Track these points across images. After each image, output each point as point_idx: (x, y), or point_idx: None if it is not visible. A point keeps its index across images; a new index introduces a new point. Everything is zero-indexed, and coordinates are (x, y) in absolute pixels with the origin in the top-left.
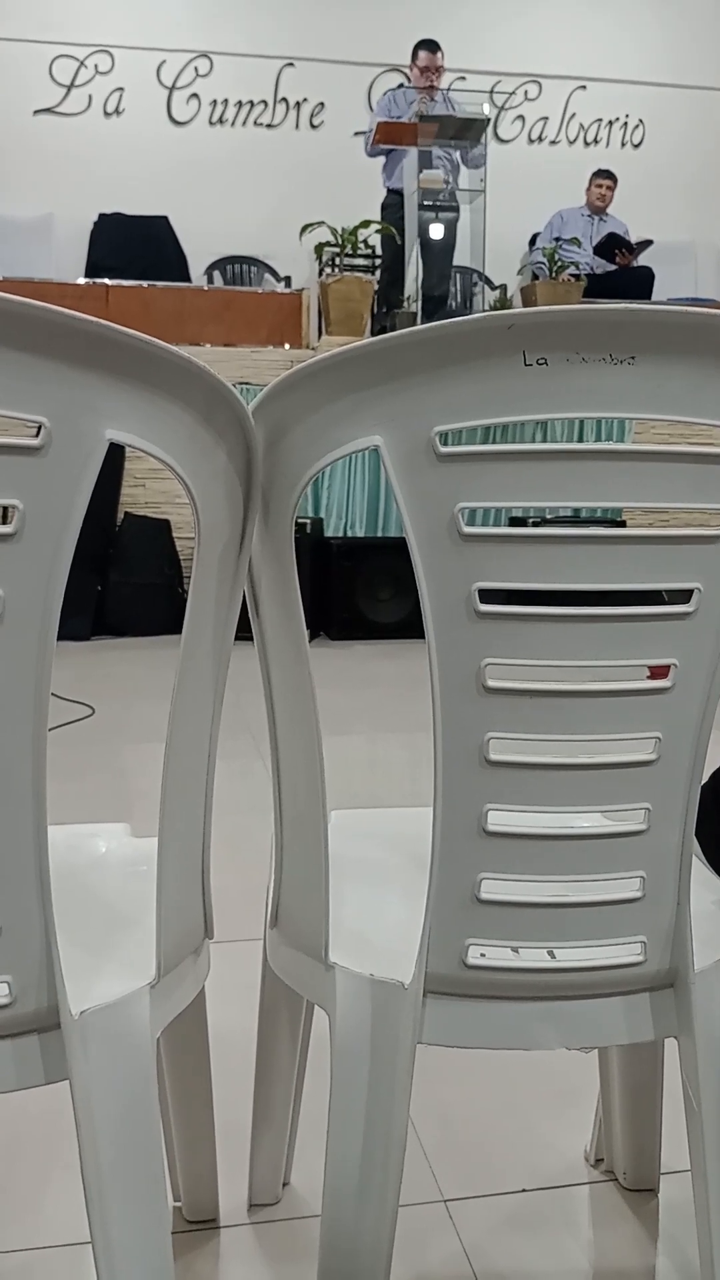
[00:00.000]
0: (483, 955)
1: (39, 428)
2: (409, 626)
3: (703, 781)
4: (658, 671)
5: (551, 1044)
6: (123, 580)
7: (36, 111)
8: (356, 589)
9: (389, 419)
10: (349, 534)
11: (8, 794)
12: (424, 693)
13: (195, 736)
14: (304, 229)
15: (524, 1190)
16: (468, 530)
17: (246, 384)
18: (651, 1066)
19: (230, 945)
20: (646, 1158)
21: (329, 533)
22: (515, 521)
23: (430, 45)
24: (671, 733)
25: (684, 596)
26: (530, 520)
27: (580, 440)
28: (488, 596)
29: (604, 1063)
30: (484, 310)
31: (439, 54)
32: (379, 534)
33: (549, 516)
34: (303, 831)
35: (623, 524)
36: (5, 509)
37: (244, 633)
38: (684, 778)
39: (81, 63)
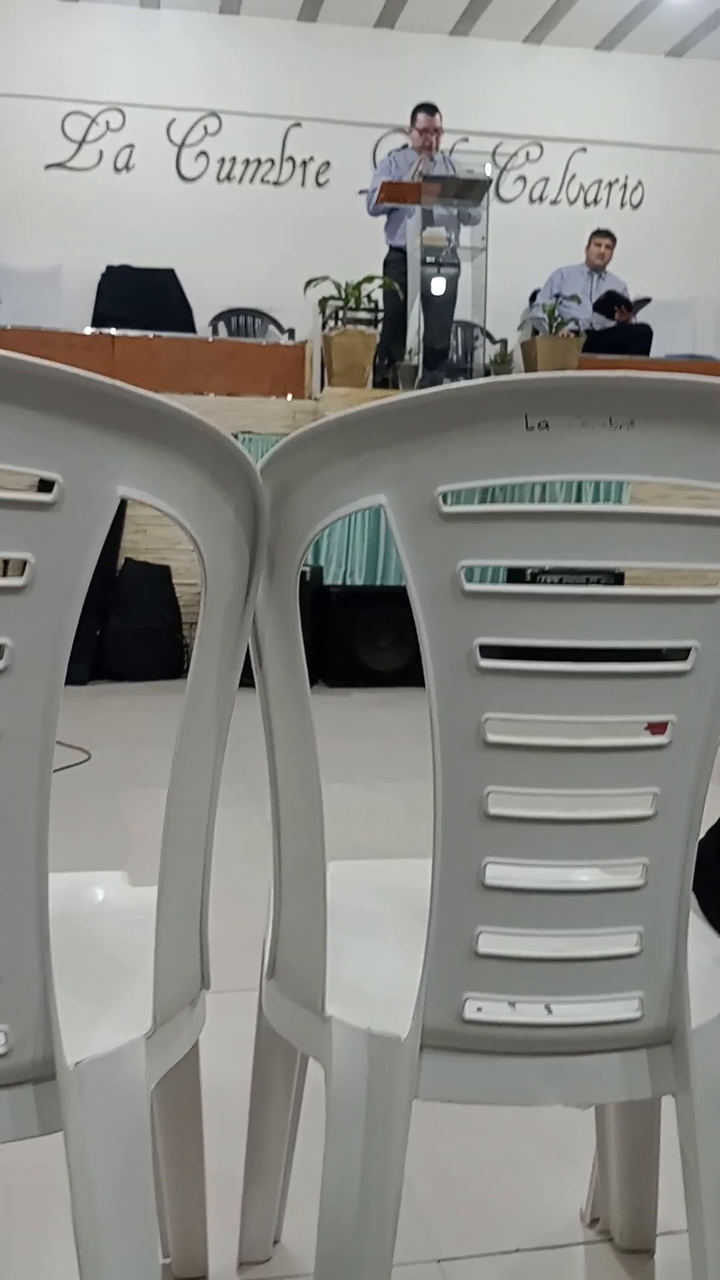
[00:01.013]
0: (480, 1010)
1: (52, 484)
2: (407, 674)
3: (700, 837)
4: (656, 727)
5: (549, 1100)
6: (123, 625)
7: (48, 166)
8: (355, 636)
9: (394, 479)
10: (348, 582)
11: (11, 843)
12: (422, 742)
13: (197, 787)
14: (308, 283)
15: (519, 1250)
16: (469, 587)
17: (250, 433)
18: (649, 1125)
19: (224, 995)
20: (643, 1218)
21: (329, 580)
22: (515, 573)
23: (429, 108)
24: (669, 788)
25: (682, 654)
26: (529, 573)
27: (579, 501)
28: (488, 652)
29: (601, 1120)
30: (484, 364)
31: (437, 116)
32: (378, 582)
33: (548, 569)
34: (301, 882)
35: (621, 579)
36: (17, 562)
37: (243, 680)
38: (681, 833)
39: (93, 119)
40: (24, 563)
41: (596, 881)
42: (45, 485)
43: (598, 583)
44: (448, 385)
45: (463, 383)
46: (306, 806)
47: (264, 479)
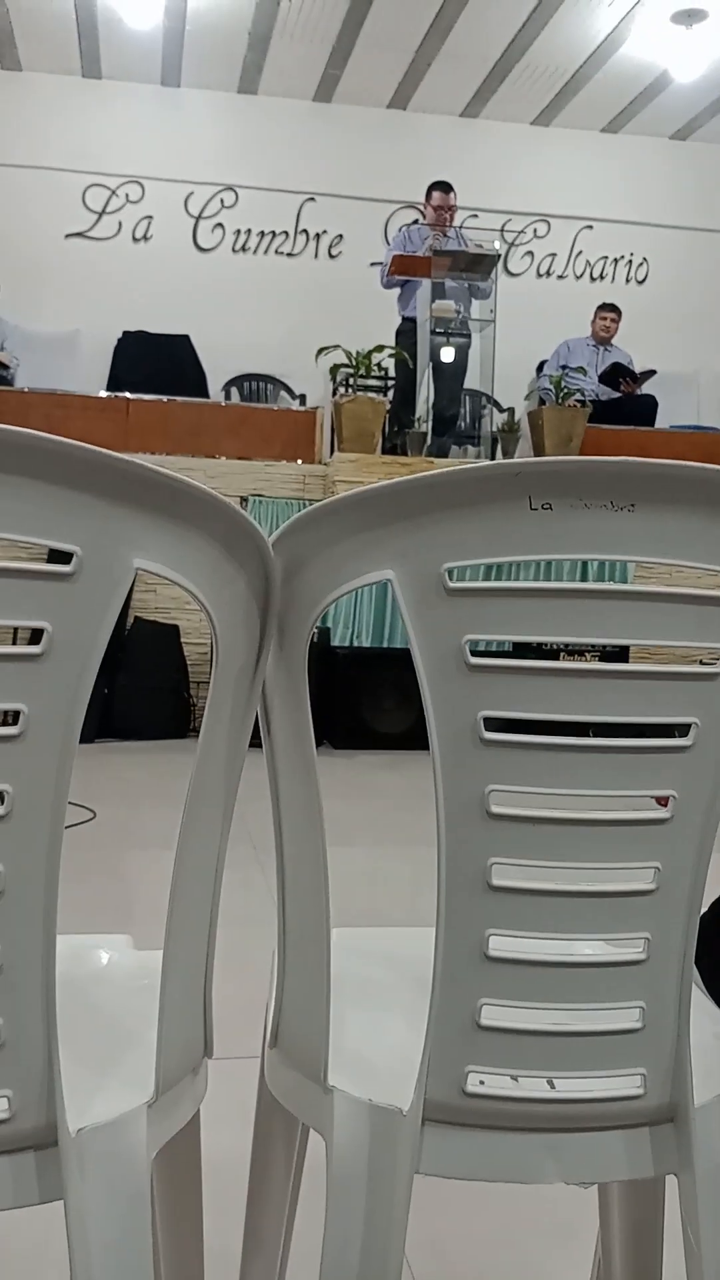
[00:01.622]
0: (482, 1083)
1: (69, 555)
2: (413, 737)
3: (701, 912)
4: (664, 800)
5: (551, 1178)
6: (130, 684)
7: (69, 235)
8: (361, 698)
9: (401, 555)
10: (355, 644)
11: (19, 907)
12: (426, 806)
13: (204, 853)
14: (320, 351)
15: None
16: (474, 661)
17: (260, 496)
18: (653, 1204)
19: (224, 1062)
20: None
21: (335, 642)
22: (520, 645)
23: (443, 186)
24: (670, 862)
25: (684, 730)
26: (534, 644)
27: (584, 578)
28: (493, 724)
29: (604, 1198)
30: (492, 432)
31: (451, 194)
32: (384, 644)
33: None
34: (305, 951)
35: (625, 653)
36: (35, 631)
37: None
38: (683, 907)
39: (113, 192)
40: (41, 631)
41: (599, 955)
42: (59, 555)
43: (600, 656)
44: (453, 467)
45: (468, 465)
46: (312, 877)
47: (276, 553)
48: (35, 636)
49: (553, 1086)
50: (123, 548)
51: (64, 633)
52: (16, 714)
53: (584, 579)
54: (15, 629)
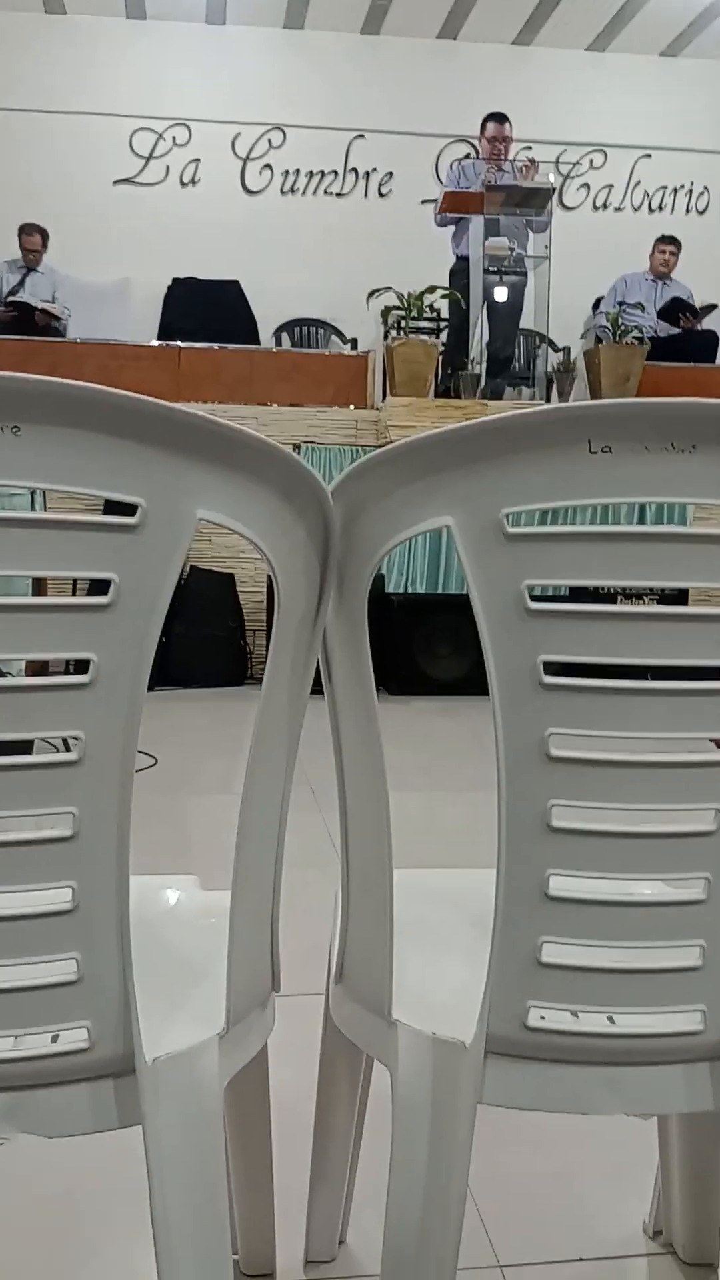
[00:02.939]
0: (543, 1018)
1: (134, 507)
2: (468, 683)
3: None
4: None
5: (610, 1110)
6: (187, 632)
7: (116, 182)
8: (416, 645)
9: (460, 501)
10: (410, 590)
11: (94, 849)
12: (482, 751)
13: (269, 795)
14: (371, 294)
15: (581, 1259)
16: (533, 606)
17: (313, 443)
18: (713, 1138)
19: (287, 999)
20: (706, 1231)
21: (390, 589)
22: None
23: (499, 117)
24: None
25: None
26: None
27: (641, 521)
28: (552, 668)
29: (664, 1133)
30: (547, 372)
31: (507, 125)
32: (439, 591)
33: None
34: (368, 890)
35: (684, 595)
36: (101, 582)
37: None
38: None
39: (160, 135)
40: (107, 582)
41: (659, 895)
42: (117, 508)
43: (659, 599)
44: (512, 411)
45: (527, 409)
46: (374, 817)
47: (335, 501)
48: (102, 587)
49: (613, 1022)
50: (185, 499)
51: (131, 583)
52: (87, 663)
53: (641, 522)
54: (74, 580)
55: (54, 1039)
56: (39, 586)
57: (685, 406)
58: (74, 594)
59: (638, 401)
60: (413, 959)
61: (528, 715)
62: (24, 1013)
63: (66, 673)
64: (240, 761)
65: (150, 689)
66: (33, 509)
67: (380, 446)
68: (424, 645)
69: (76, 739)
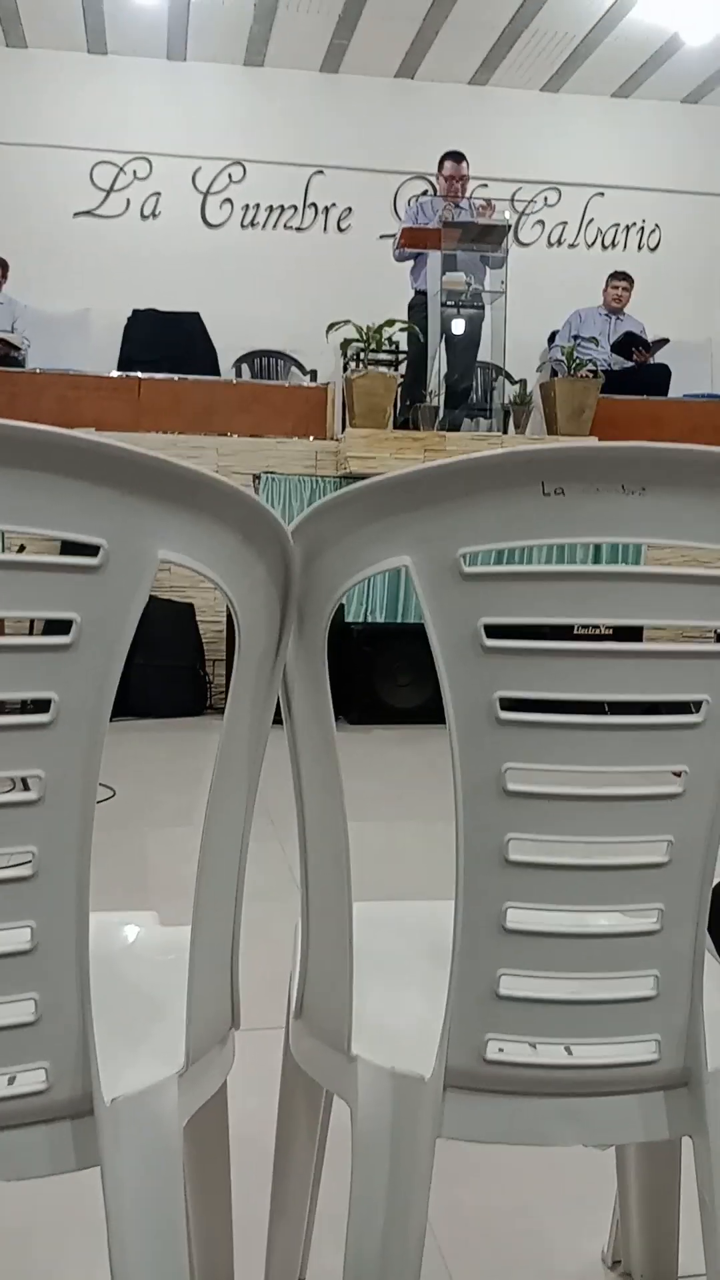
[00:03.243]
0: (501, 1050)
1: (98, 549)
2: (427, 712)
3: (714, 883)
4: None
5: (569, 1141)
6: (146, 662)
7: (77, 214)
8: (376, 674)
9: (417, 541)
10: (369, 620)
11: (53, 887)
12: (441, 780)
13: (229, 830)
14: (330, 326)
15: None
16: (489, 643)
17: (273, 473)
18: (669, 1167)
19: (247, 1034)
20: (664, 1260)
21: (349, 618)
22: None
23: (456, 156)
24: (683, 836)
25: (695, 706)
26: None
27: (597, 560)
28: (508, 704)
29: (622, 1163)
30: (504, 404)
31: (464, 164)
32: (399, 620)
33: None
34: (328, 924)
35: (639, 632)
36: (62, 621)
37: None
38: (696, 879)
39: (121, 168)
40: (68, 622)
41: (614, 926)
42: (74, 547)
43: (614, 635)
44: (467, 455)
45: (482, 453)
46: (333, 852)
47: (295, 540)
48: (63, 627)
49: (570, 1053)
50: (146, 539)
51: (92, 623)
52: (47, 702)
53: (597, 561)
54: (31, 620)
55: (10, 1081)
56: None
57: (635, 450)
58: (30, 633)
59: (589, 445)
60: (372, 992)
61: (484, 750)
62: None
63: (24, 711)
64: (199, 793)
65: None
66: None
67: (340, 477)
68: (384, 674)
69: (36, 777)
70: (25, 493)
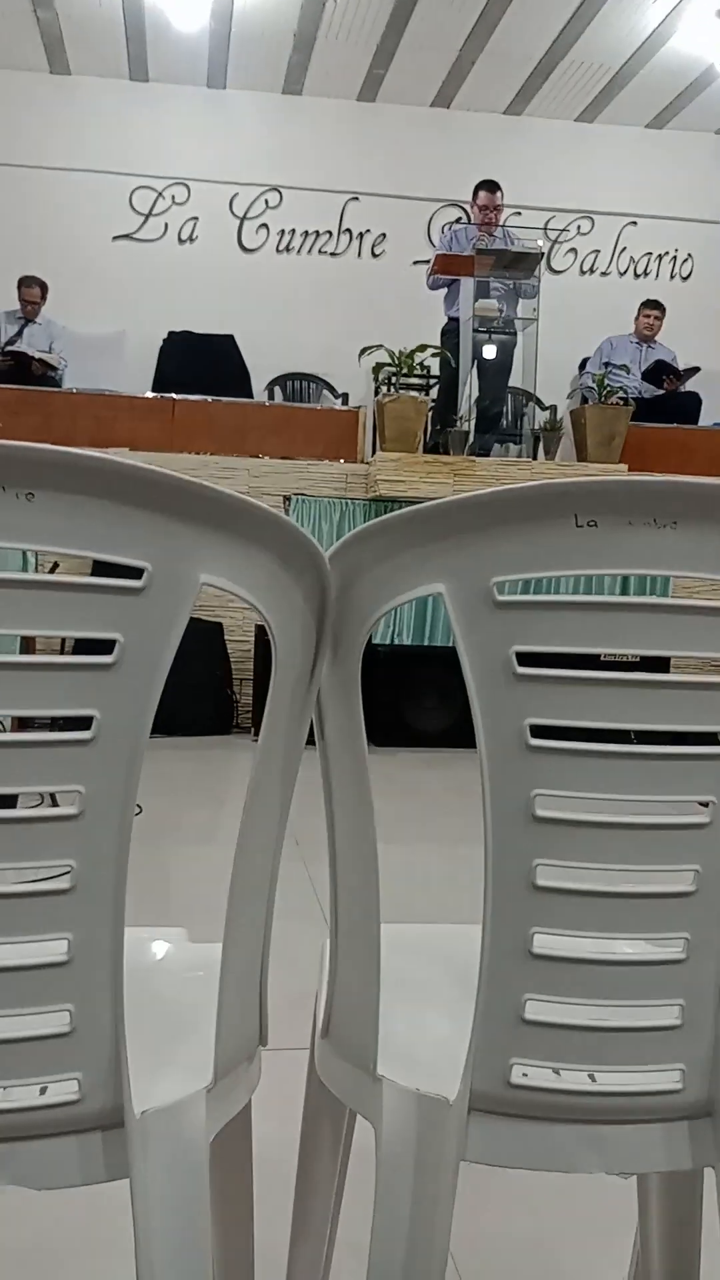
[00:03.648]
0: (525, 1075)
1: (142, 571)
2: (454, 735)
3: None
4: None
5: (591, 1168)
6: (175, 680)
7: (115, 238)
8: (402, 697)
9: (451, 570)
10: (396, 642)
11: (91, 901)
12: (466, 803)
13: (262, 850)
14: (363, 351)
15: None
16: (521, 671)
17: (303, 495)
18: (691, 1198)
19: (267, 1053)
20: None
21: (376, 640)
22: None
23: (490, 185)
24: (710, 865)
25: None
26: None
27: (625, 591)
28: (539, 731)
29: (643, 1192)
30: (534, 430)
31: (498, 194)
32: (426, 643)
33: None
34: (356, 945)
35: (666, 663)
36: (102, 641)
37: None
38: None
39: (160, 194)
40: (112, 641)
41: (639, 953)
42: (106, 568)
43: (641, 665)
44: (502, 487)
45: (516, 485)
46: (363, 874)
47: (331, 566)
48: (106, 647)
49: (594, 1080)
50: (189, 563)
51: (135, 643)
52: (90, 719)
53: (625, 592)
54: (62, 639)
55: (43, 1091)
56: (27, 645)
57: (667, 485)
58: (62, 652)
59: (623, 479)
60: (398, 1013)
61: (514, 776)
62: (14, 1064)
63: (58, 727)
64: (224, 811)
65: None
66: (25, 569)
67: (370, 500)
68: (410, 697)
69: (77, 793)
70: (75, 517)
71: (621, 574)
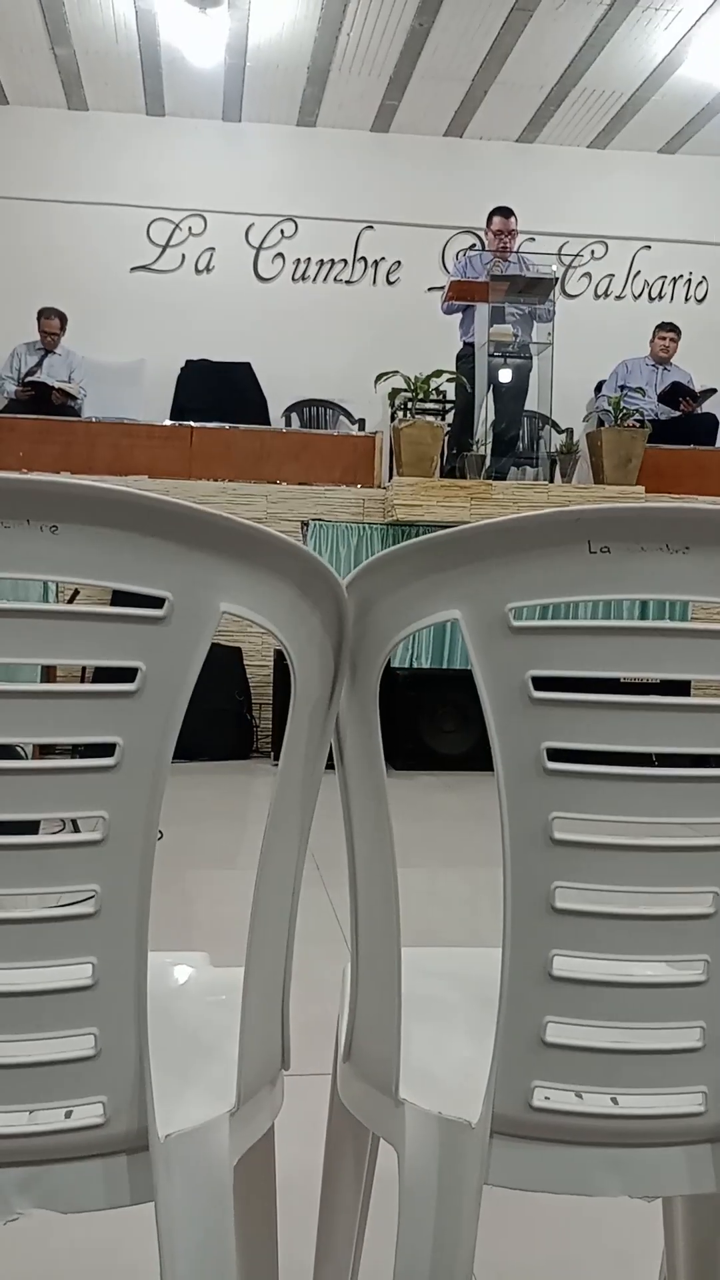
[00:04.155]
0: (547, 1098)
1: (164, 601)
2: (473, 758)
3: None
4: None
5: (614, 1191)
6: (194, 705)
7: (133, 268)
8: (421, 720)
9: (467, 596)
10: (415, 665)
11: (115, 926)
12: (485, 826)
13: (283, 875)
14: (379, 377)
15: None
16: (537, 695)
17: (321, 520)
18: (716, 1221)
19: (289, 1078)
20: None
21: (395, 663)
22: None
23: (504, 211)
24: None
25: None
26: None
27: (644, 615)
28: (556, 754)
29: (668, 1216)
30: (550, 453)
31: (513, 219)
32: (444, 666)
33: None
34: (377, 969)
35: (687, 686)
36: (130, 669)
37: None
38: None
39: (177, 225)
40: (135, 669)
41: (660, 975)
42: (125, 597)
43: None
44: (516, 515)
45: (530, 513)
46: (383, 898)
47: (349, 594)
48: (129, 675)
49: (616, 1103)
50: (209, 592)
51: (157, 671)
52: (113, 746)
53: (644, 617)
54: (84, 667)
55: (68, 1114)
56: (48, 673)
57: (679, 510)
58: (83, 680)
59: (634, 506)
60: (420, 1036)
61: (532, 799)
62: (41, 1088)
63: (80, 754)
64: (245, 835)
65: None
66: (46, 599)
67: (388, 525)
68: (429, 721)
69: (101, 819)
70: (98, 548)
71: (636, 598)
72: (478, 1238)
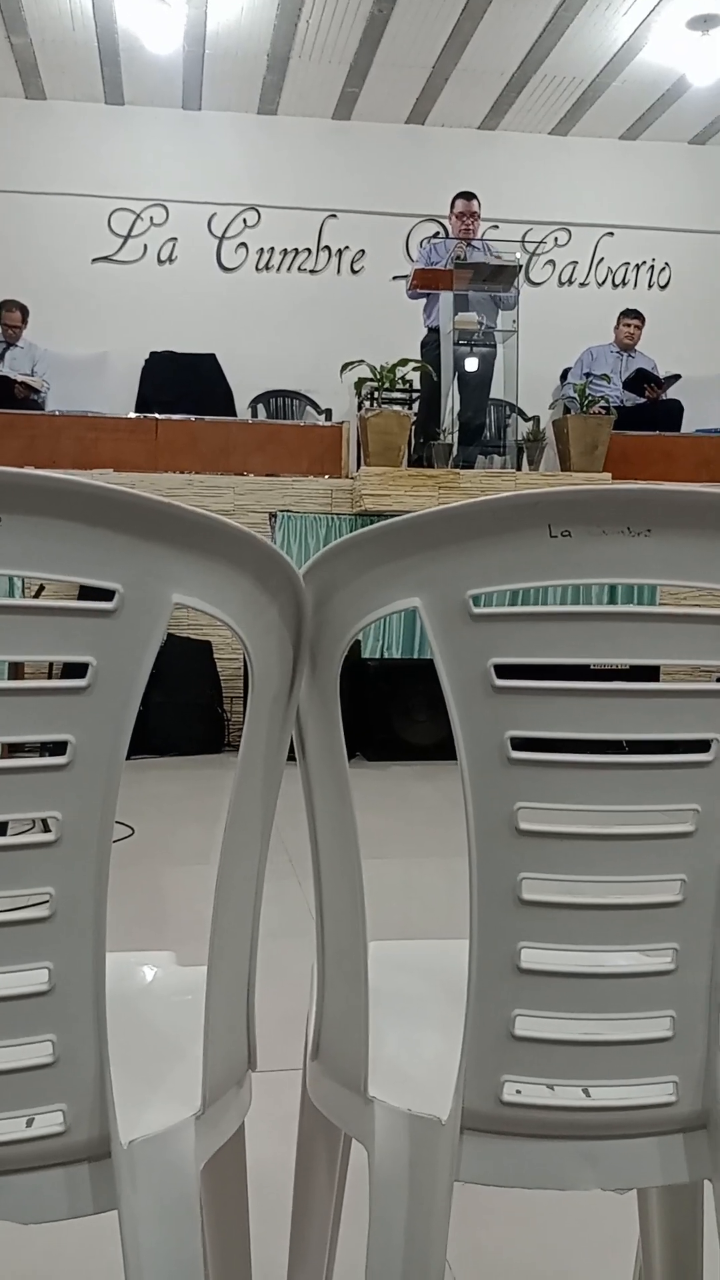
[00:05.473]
0: (518, 1092)
1: (113, 593)
2: (445, 748)
3: None
4: None
5: (587, 1184)
6: (165, 700)
7: (95, 260)
8: (393, 710)
9: (426, 583)
10: (386, 655)
11: (70, 929)
12: (459, 817)
13: (244, 872)
14: (344, 367)
15: None
16: (499, 683)
17: (289, 511)
18: (691, 1212)
19: (263, 1074)
20: None
21: (366, 654)
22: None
23: (467, 195)
24: (696, 875)
25: (704, 746)
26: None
27: (612, 600)
28: (520, 743)
29: (643, 1207)
30: (517, 441)
31: (474, 202)
32: (415, 656)
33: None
34: (344, 966)
35: (656, 672)
36: (79, 664)
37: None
38: (709, 917)
39: (138, 215)
40: (85, 665)
41: (628, 965)
42: (94, 592)
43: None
44: (474, 500)
45: (489, 496)
46: (349, 893)
47: (306, 583)
48: (79, 670)
49: (588, 1095)
50: (161, 584)
51: (108, 666)
52: (64, 744)
53: (611, 602)
54: (51, 663)
55: (29, 1123)
56: (16, 670)
57: (640, 493)
58: (50, 676)
59: (594, 489)
60: (389, 1032)
61: (496, 790)
62: None
63: (40, 753)
64: (217, 831)
65: (128, 757)
66: (11, 594)
67: (356, 515)
68: (400, 711)
69: (54, 819)
70: (45, 539)
71: (599, 583)
72: (454, 1231)
